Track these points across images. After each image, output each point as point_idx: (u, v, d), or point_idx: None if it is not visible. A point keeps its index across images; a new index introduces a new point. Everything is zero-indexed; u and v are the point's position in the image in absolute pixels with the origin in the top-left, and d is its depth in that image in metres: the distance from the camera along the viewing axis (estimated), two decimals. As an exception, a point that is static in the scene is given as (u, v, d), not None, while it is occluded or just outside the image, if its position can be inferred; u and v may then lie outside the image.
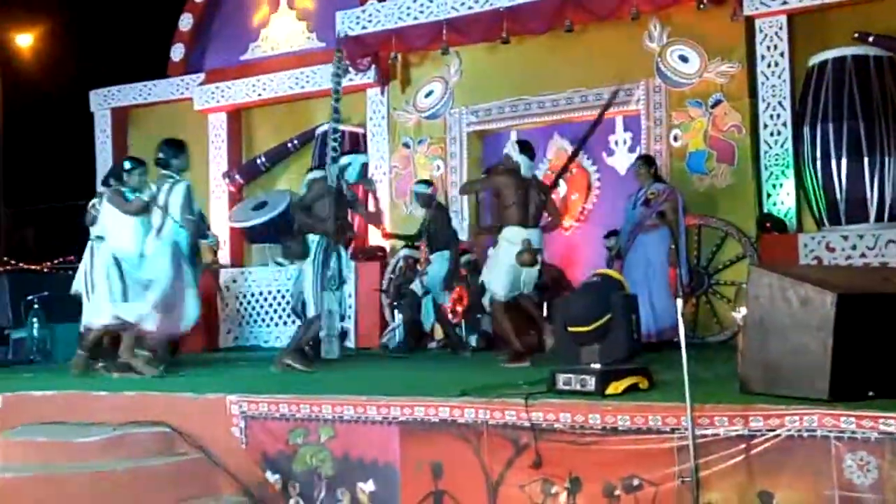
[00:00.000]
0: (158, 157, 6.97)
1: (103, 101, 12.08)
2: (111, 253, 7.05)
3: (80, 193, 7.66)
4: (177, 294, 6.79)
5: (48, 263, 13.02)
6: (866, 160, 7.73)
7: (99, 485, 5.04)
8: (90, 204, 7.63)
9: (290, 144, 10.86)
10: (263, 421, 5.20)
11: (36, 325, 9.54)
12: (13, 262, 13.22)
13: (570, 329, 4.64)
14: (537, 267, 6.85)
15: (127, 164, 7.30)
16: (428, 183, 8.92)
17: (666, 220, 7.40)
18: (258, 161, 11.09)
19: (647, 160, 8.03)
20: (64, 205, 14.96)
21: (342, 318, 7.94)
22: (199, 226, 7.28)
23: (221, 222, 10.82)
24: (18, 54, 17.01)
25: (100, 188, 7.81)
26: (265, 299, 10.59)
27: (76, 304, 7.52)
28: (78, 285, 7.49)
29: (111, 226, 7.12)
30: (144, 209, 6.94)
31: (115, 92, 12.02)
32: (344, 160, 7.39)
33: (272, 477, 5.14)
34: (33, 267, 13.10)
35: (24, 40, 17.22)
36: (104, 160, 11.72)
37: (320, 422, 5.00)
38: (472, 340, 8.52)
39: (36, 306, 9.57)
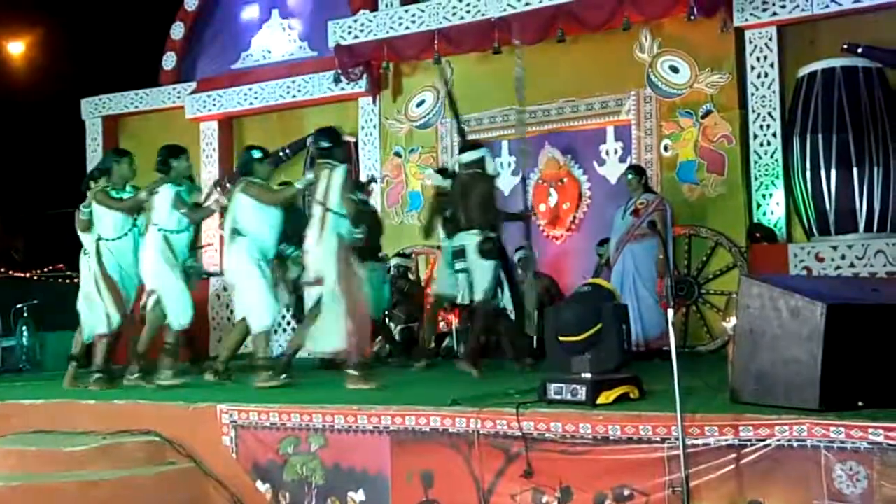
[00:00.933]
0: (322, 147, 6.22)
1: (94, 110, 12.07)
2: (258, 248, 6.34)
3: (70, 202, 7.47)
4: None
5: (38, 271, 12.96)
6: (855, 171, 7.77)
7: (88, 494, 5.02)
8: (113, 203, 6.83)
9: (281, 153, 10.83)
10: (254, 430, 5.19)
11: (25, 334, 9.52)
12: (2, 269, 13.15)
13: (561, 338, 4.65)
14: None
15: (257, 154, 6.54)
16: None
17: (656, 230, 7.43)
18: (250, 169, 11.08)
19: (637, 170, 8.06)
20: (54, 213, 14.89)
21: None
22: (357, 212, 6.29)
23: (213, 230, 10.78)
24: (9, 62, 16.96)
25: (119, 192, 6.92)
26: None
27: (66, 312, 7.31)
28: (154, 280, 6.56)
29: (250, 219, 6.35)
30: (295, 198, 6.39)
31: (106, 100, 12.02)
32: (466, 157, 7.04)
33: (262, 486, 5.12)
34: (23, 275, 13.03)
35: (16, 48, 17.16)
36: (95, 169, 11.69)
37: (311, 431, 4.99)
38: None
39: (25, 315, 9.55)
